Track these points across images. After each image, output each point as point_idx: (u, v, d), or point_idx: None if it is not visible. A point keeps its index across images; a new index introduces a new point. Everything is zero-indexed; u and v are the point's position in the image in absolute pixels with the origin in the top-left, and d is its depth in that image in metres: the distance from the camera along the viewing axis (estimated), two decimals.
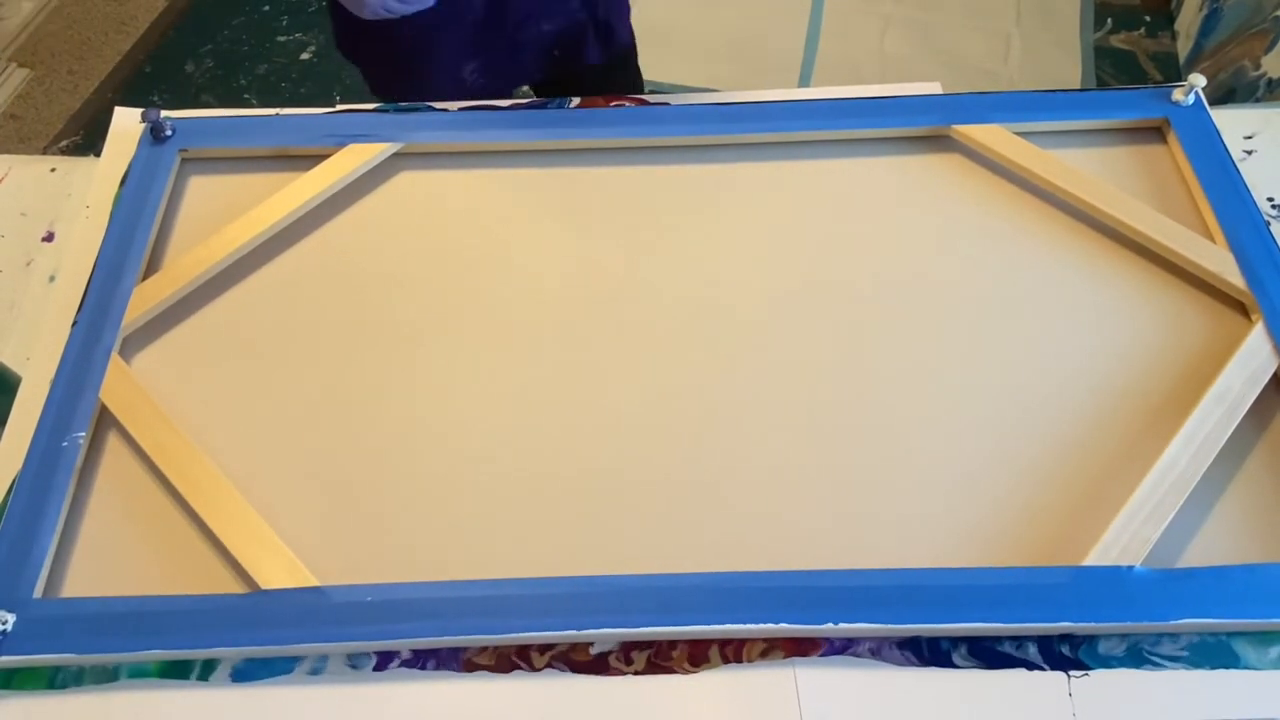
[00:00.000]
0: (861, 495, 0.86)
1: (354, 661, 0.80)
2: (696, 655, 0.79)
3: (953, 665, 0.78)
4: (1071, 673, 0.78)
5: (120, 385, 0.91)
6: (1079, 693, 0.77)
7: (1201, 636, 0.78)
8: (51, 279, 1.04)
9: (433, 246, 1.03)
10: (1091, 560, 0.80)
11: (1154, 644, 0.78)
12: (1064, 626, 0.78)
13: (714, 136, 1.08)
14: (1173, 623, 0.77)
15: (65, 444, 0.87)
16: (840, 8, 2.56)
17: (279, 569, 0.81)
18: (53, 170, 1.14)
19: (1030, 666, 0.78)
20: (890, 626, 0.78)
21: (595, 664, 0.79)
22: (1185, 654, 0.78)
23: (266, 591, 0.80)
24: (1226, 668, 0.77)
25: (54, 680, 0.79)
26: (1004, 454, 0.88)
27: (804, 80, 2.39)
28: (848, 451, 0.89)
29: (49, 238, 1.07)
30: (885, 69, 2.41)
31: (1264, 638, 0.78)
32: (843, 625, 0.78)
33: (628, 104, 1.13)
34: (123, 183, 1.06)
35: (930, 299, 0.98)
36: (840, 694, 0.78)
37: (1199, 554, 0.82)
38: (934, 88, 1.14)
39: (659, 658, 0.79)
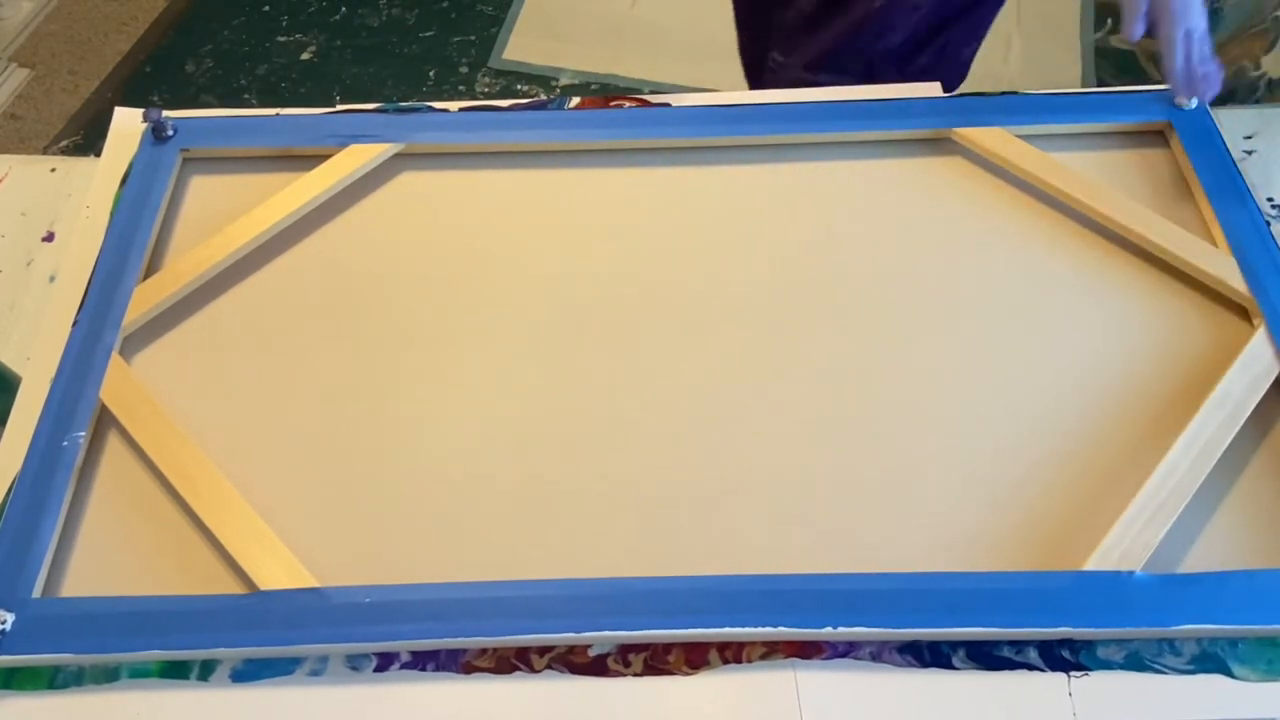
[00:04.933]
0: (861, 499, 0.86)
1: (354, 663, 0.80)
2: (695, 659, 0.79)
3: (953, 669, 0.78)
4: (1072, 673, 0.78)
5: (121, 385, 0.91)
6: (1079, 692, 0.77)
7: (1203, 647, 0.78)
8: (51, 279, 1.04)
9: (434, 248, 1.03)
10: (1092, 565, 0.80)
11: (1155, 654, 0.78)
12: (1064, 631, 0.78)
13: (714, 138, 1.08)
14: (1174, 628, 0.77)
15: (65, 444, 0.87)
16: None
17: (278, 569, 0.81)
18: (53, 170, 1.14)
19: (1030, 669, 0.78)
20: (890, 631, 0.78)
21: (594, 665, 0.79)
22: (1190, 668, 0.78)
23: (265, 592, 0.80)
24: (1228, 675, 0.78)
25: (54, 680, 0.79)
26: (1003, 457, 0.88)
27: None
28: (847, 454, 0.89)
29: (49, 238, 1.07)
30: None
31: (1265, 643, 0.78)
32: (842, 629, 0.78)
33: (628, 104, 1.13)
34: (123, 182, 1.06)
35: (930, 303, 0.98)
36: (841, 694, 0.78)
37: (1200, 559, 0.82)
38: (934, 88, 1.14)
39: (655, 660, 0.79)
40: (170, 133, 1.08)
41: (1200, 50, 0.97)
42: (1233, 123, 1.10)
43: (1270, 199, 1.05)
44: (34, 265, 1.05)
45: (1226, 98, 1.03)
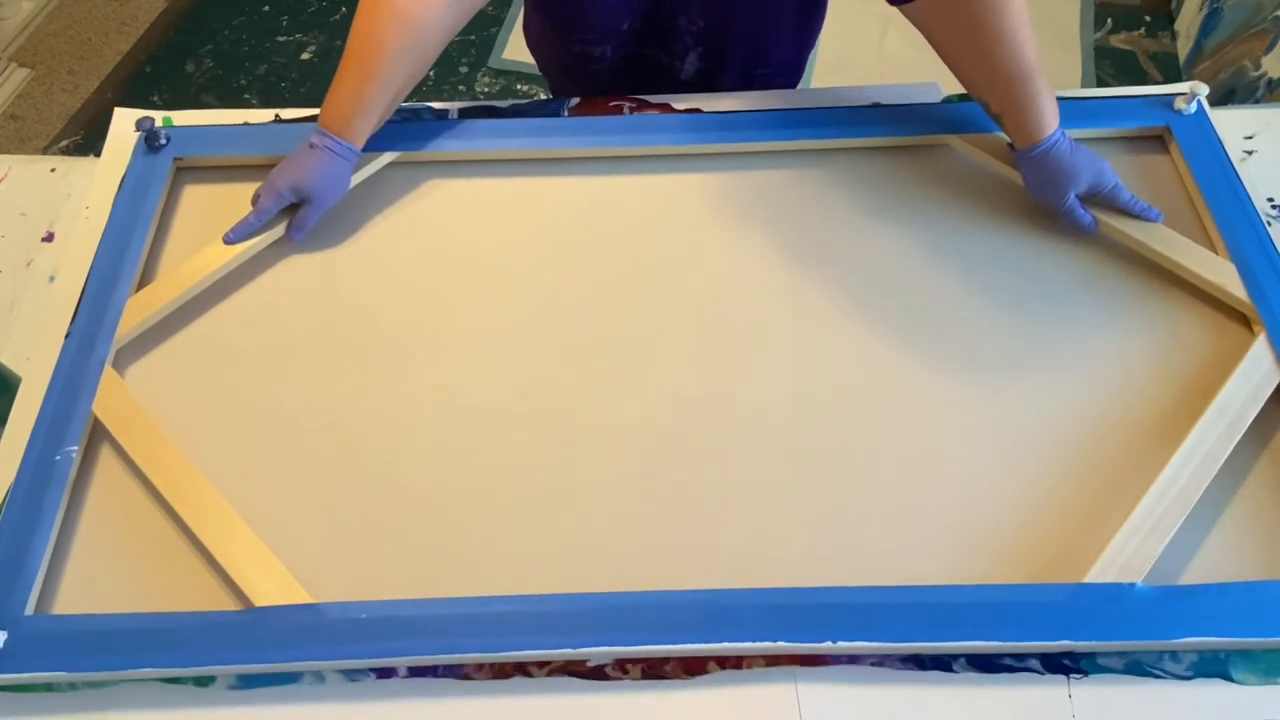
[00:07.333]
0: (862, 511, 0.86)
1: (353, 675, 0.79)
2: (693, 665, 0.79)
3: (952, 673, 0.78)
4: (1071, 676, 0.78)
5: (113, 398, 0.90)
6: (1079, 698, 0.77)
7: (1202, 656, 0.78)
8: (51, 279, 1.03)
9: (430, 259, 1.03)
10: (1092, 577, 0.79)
11: (1155, 660, 0.78)
12: (1064, 645, 0.77)
13: (713, 145, 1.08)
14: (1175, 641, 0.77)
15: (58, 458, 0.87)
16: (840, 8, 2.54)
17: (273, 586, 0.80)
18: (53, 170, 1.13)
19: (1029, 673, 0.78)
20: (891, 645, 0.77)
21: (593, 671, 0.79)
22: (1189, 674, 0.77)
23: (260, 609, 0.79)
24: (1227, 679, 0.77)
25: (50, 691, 0.79)
26: (1004, 469, 0.87)
27: (804, 80, 2.37)
28: (846, 467, 0.88)
29: (49, 238, 1.07)
30: (885, 69, 2.39)
31: (1265, 655, 0.78)
32: (842, 644, 0.77)
33: (626, 105, 1.12)
34: (120, 187, 1.05)
35: (930, 312, 0.97)
36: (842, 698, 0.78)
37: (1201, 571, 0.82)
38: (933, 87, 1.13)
39: (653, 666, 0.79)
40: (163, 141, 1.07)
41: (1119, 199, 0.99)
42: (1233, 123, 1.09)
43: (1270, 199, 1.04)
44: (34, 265, 1.05)
45: (1226, 98, 1.02)
